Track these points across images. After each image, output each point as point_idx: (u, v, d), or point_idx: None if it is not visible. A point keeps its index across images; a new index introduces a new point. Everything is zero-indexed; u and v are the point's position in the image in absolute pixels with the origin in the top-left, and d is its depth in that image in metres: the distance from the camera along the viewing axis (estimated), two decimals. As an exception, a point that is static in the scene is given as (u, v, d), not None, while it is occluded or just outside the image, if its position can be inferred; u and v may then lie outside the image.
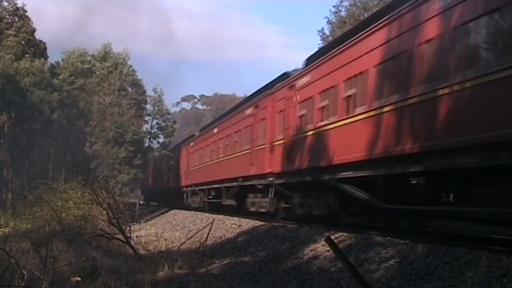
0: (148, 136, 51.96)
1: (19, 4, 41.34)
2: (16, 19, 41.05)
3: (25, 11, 41.57)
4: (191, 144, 36.64)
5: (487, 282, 7.02)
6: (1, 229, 18.92)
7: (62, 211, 19.30)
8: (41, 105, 41.77)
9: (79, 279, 9.63)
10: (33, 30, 41.53)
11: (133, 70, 48.78)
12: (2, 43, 39.40)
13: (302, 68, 16.98)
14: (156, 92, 51.58)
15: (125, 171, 43.21)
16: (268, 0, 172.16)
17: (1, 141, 40.83)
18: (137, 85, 48.96)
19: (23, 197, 28.46)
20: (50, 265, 9.25)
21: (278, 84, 18.90)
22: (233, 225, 18.73)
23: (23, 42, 40.47)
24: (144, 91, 49.48)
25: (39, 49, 42.54)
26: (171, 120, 56.67)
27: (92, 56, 49.74)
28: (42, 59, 42.67)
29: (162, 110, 52.36)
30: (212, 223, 18.65)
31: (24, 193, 28.70)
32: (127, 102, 45.80)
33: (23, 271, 8.29)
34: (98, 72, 46.45)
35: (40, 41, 42.96)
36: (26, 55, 40.20)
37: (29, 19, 41.61)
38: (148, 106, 51.45)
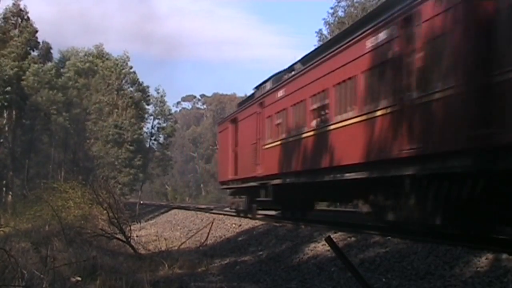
0: (149, 137, 51.97)
1: (22, 6, 41.72)
2: (19, 20, 41.27)
3: (27, 12, 41.87)
4: None
5: (487, 282, 7.01)
6: (1, 229, 18.86)
7: (62, 211, 19.25)
8: (47, 105, 41.84)
9: (79, 278, 9.63)
10: (35, 31, 41.67)
11: (133, 71, 48.87)
12: (9, 43, 39.59)
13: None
14: (158, 93, 51.64)
15: (124, 171, 43.20)
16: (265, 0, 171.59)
17: (1, 141, 40.82)
18: (137, 84, 48.91)
19: (23, 197, 28.44)
20: (50, 264, 9.25)
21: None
22: (233, 225, 18.73)
23: (26, 42, 40.70)
24: (148, 94, 49.42)
25: (44, 51, 42.84)
26: (173, 120, 56.52)
27: (90, 55, 49.65)
28: (48, 62, 43.02)
29: (164, 110, 52.39)
30: (212, 222, 18.68)
31: (24, 192, 28.69)
32: (125, 101, 45.73)
33: (23, 271, 8.27)
34: (100, 72, 46.45)
35: (45, 42, 43.23)
36: (29, 56, 40.30)
37: (31, 20, 41.89)
38: (150, 107, 51.53)
